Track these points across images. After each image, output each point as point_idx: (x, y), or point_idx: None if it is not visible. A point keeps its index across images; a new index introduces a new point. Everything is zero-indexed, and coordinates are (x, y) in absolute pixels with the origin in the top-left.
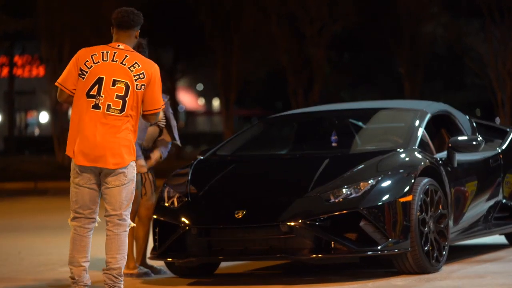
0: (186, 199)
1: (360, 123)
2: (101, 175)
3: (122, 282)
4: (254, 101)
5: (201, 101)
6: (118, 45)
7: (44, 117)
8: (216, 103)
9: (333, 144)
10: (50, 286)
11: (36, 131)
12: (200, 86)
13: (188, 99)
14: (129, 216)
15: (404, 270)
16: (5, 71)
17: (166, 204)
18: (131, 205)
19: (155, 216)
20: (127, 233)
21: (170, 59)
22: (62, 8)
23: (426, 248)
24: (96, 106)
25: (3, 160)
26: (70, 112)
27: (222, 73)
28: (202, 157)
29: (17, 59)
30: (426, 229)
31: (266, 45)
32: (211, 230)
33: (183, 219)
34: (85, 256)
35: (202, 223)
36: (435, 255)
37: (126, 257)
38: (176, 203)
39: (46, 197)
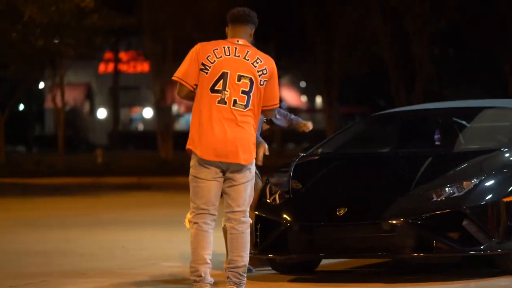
0: (288, 195)
1: (464, 122)
2: (227, 172)
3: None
4: (357, 98)
5: (303, 98)
6: (237, 41)
7: (147, 112)
8: (318, 100)
9: (437, 143)
10: (154, 280)
11: (140, 127)
12: (302, 83)
13: (291, 96)
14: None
15: (507, 270)
16: (110, 66)
17: (268, 201)
18: (251, 201)
19: (256, 213)
20: (249, 230)
21: (272, 56)
22: (165, 4)
23: None
24: (222, 101)
25: (107, 155)
26: (173, 108)
27: (324, 70)
28: (304, 154)
29: (122, 55)
30: None
31: (368, 41)
32: (313, 227)
33: (284, 215)
34: (210, 253)
35: (304, 220)
36: None
37: (248, 254)
38: (278, 200)
39: (149, 192)
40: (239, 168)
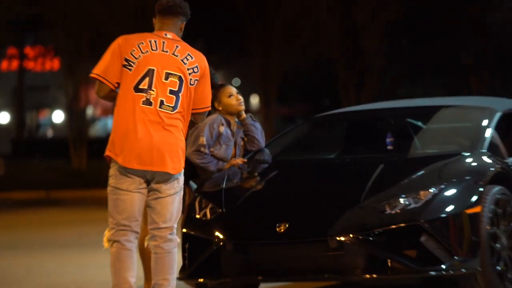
0: (220, 210)
1: (419, 123)
2: (152, 182)
3: None
4: (298, 97)
5: None
6: (166, 34)
7: (58, 116)
8: (254, 100)
9: (389, 147)
10: None
11: (49, 133)
12: (236, 81)
13: None
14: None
15: None
16: (14, 64)
17: (198, 216)
18: (179, 216)
19: (184, 230)
20: (176, 249)
21: (201, 51)
22: None
23: (498, 268)
24: (147, 102)
25: (11, 165)
26: (88, 111)
27: (261, 66)
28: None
29: (28, 50)
30: (498, 245)
31: (312, 34)
32: (249, 246)
33: (217, 233)
34: (134, 275)
35: (239, 238)
36: (509, 276)
37: (175, 277)
38: (208, 215)
39: (59, 208)
40: (166, 178)
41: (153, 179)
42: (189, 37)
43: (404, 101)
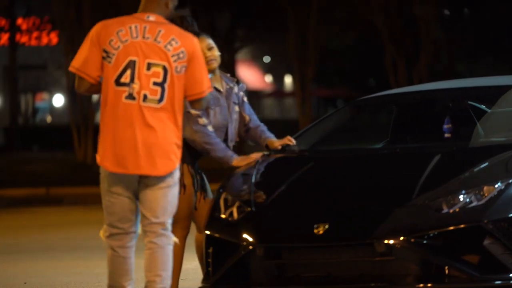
0: (249, 208)
1: (483, 107)
2: (142, 181)
3: None
4: (339, 77)
5: (268, 79)
6: (148, 17)
7: (58, 100)
8: (288, 80)
9: (446, 135)
10: None
11: (48, 119)
12: (267, 59)
13: (251, 76)
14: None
15: None
16: (4, 38)
17: (223, 216)
18: (174, 212)
19: (207, 232)
20: (172, 247)
21: (227, 24)
22: None
23: None
24: (130, 97)
25: (4, 158)
26: (95, 96)
27: (297, 41)
28: (269, 153)
29: (20, 22)
30: None
31: (354, 3)
32: (283, 251)
33: (245, 235)
34: (130, 278)
35: (271, 241)
36: None
37: (171, 276)
38: (235, 214)
39: (61, 207)
40: (157, 177)
41: (143, 177)
42: (215, 9)
43: (465, 80)
